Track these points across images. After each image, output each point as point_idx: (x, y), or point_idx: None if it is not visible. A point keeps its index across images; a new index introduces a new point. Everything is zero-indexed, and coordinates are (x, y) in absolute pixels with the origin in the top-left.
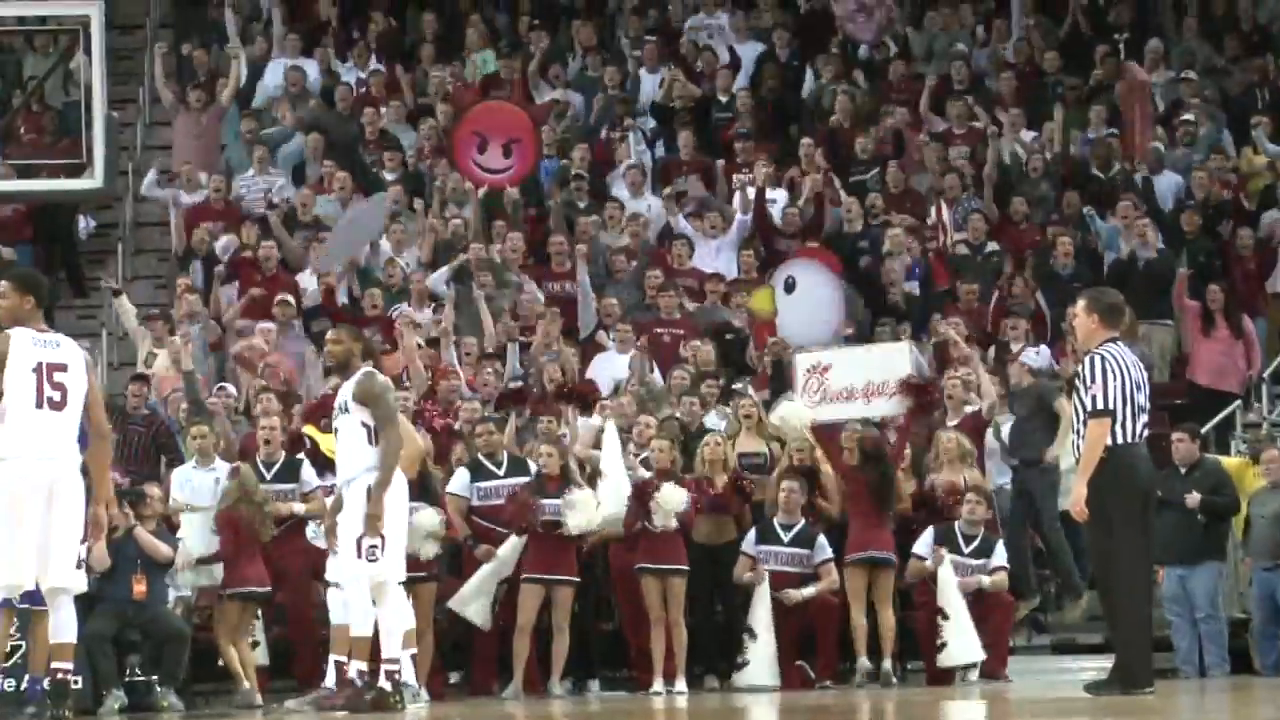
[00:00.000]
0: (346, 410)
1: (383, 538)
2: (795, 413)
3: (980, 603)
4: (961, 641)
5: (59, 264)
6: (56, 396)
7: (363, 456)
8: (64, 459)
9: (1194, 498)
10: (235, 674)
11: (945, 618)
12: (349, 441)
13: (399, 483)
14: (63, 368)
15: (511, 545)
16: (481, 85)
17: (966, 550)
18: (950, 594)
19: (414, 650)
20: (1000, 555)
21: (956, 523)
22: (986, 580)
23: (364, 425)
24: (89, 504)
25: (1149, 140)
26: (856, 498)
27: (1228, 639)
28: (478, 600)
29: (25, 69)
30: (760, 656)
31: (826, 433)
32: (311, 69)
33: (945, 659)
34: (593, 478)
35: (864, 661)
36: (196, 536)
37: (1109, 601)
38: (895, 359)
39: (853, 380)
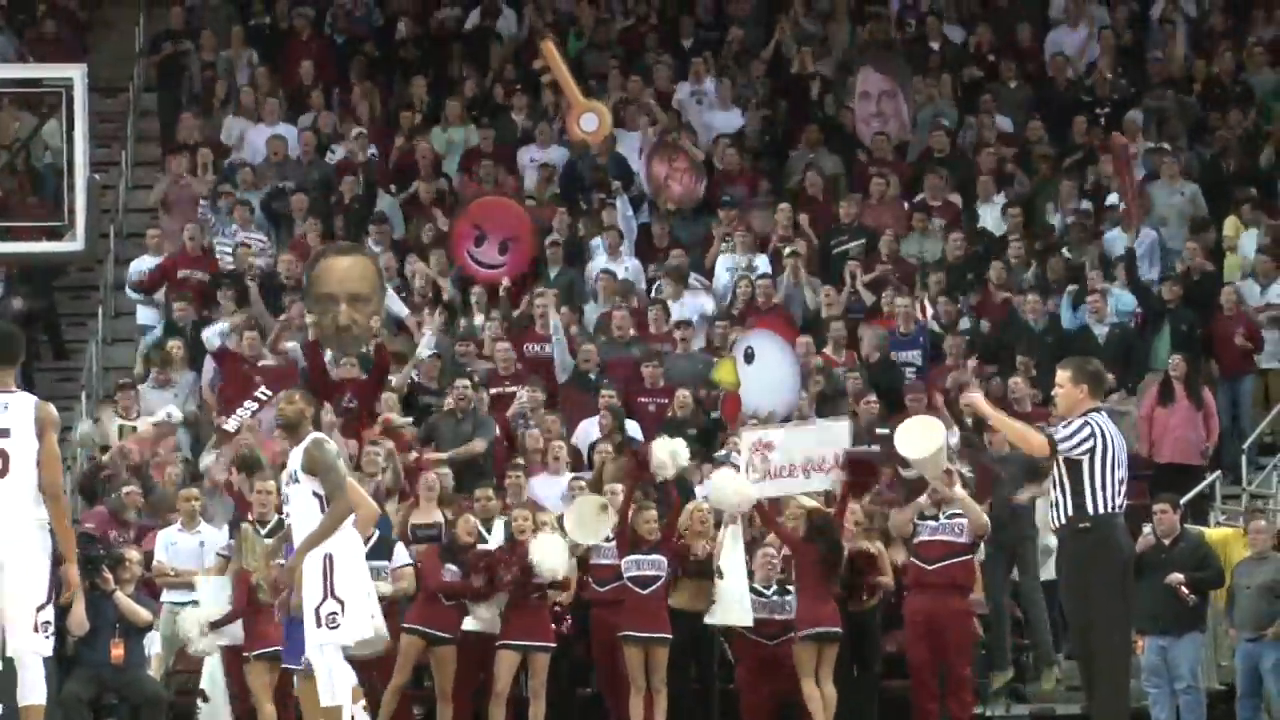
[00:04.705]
0: (296, 480)
1: (341, 602)
2: (727, 484)
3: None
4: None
5: (40, 325)
6: None
7: (315, 526)
8: (9, 526)
9: (1176, 577)
10: None
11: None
12: (301, 512)
13: (355, 545)
14: (4, 433)
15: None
16: (463, 158)
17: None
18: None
19: (363, 702)
20: None
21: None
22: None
23: (315, 495)
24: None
25: (1142, 210)
26: (804, 571)
27: (1206, 711)
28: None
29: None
30: (730, 594)
31: (768, 507)
32: (293, 135)
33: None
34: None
35: None
36: (211, 598)
37: (1088, 671)
38: (835, 434)
39: (793, 458)
